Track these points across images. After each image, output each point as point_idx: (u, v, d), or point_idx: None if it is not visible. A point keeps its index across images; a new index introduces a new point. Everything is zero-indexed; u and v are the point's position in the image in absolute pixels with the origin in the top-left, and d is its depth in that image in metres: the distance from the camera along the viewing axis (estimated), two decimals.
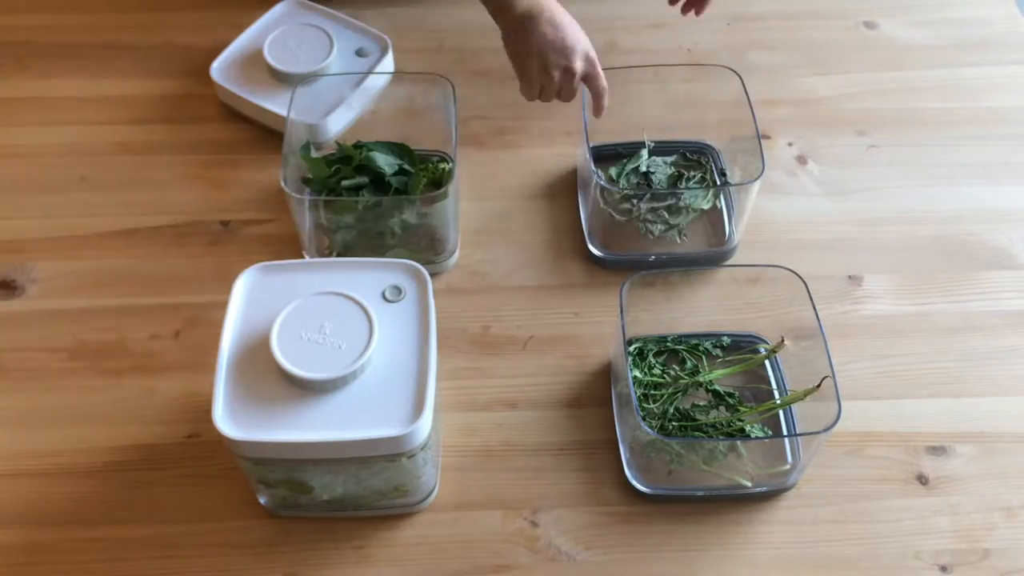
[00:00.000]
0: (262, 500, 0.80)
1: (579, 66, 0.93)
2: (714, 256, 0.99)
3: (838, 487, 0.83)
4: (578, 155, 1.05)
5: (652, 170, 1.00)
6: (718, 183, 1.01)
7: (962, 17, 1.20)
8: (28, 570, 0.78)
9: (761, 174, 0.89)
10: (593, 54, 0.94)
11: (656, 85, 1.03)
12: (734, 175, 1.00)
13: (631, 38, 1.06)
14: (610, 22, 1.17)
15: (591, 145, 0.94)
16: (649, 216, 0.96)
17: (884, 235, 1.00)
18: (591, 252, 0.97)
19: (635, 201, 0.95)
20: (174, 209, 1.00)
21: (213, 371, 0.72)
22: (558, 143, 1.07)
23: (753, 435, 0.83)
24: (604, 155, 1.02)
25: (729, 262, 0.97)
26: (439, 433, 0.82)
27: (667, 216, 0.96)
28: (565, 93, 0.95)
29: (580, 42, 0.93)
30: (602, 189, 0.93)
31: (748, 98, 0.95)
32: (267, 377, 0.73)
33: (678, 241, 0.97)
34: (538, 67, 0.93)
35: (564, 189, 1.03)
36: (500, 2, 0.94)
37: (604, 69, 0.95)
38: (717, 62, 1.01)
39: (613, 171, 1.01)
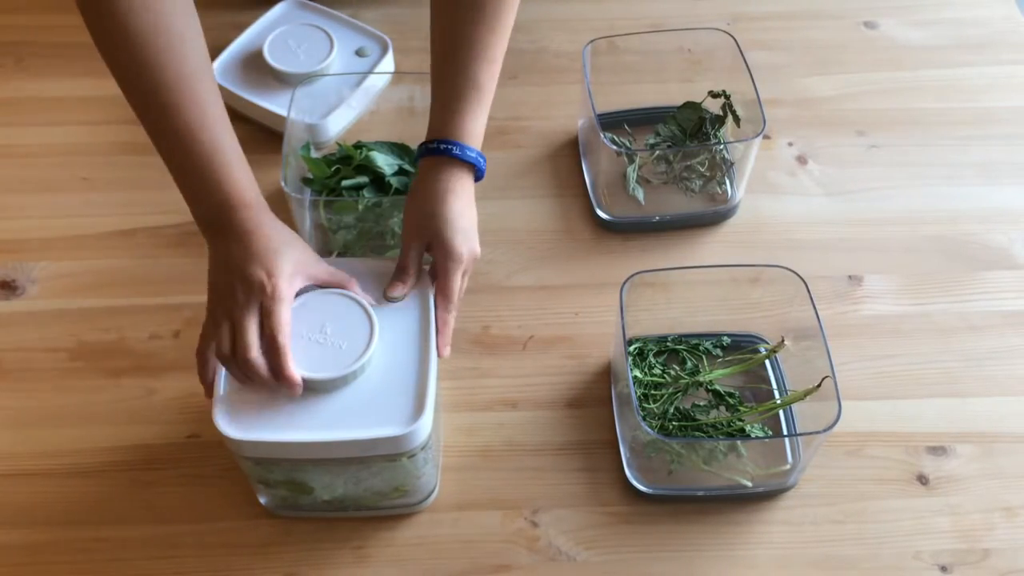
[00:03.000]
0: (262, 500, 0.80)
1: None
2: (718, 215, 1.00)
3: (838, 487, 0.83)
4: (580, 125, 1.06)
5: (673, 131, 1.03)
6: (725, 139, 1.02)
7: (962, 17, 1.20)
8: (28, 570, 0.78)
9: (763, 129, 0.92)
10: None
11: (652, 56, 1.05)
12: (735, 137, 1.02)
13: (631, 38, 1.06)
14: (610, 22, 1.17)
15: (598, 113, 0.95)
16: (685, 173, 1.00)
17: (884, 235, 1.00)
18: (599, 217, 0.99)
19: (672, 159, 0.99)
20: (174, 209, 1.00)
21: None
22: (558, 142, 1.07)
23: (753, 435, 0.83)
24: (607, 124, 1.02)
25: (730, 262, 0.97)
26: (439, 433, 0.83)
27: (702, 170, 1.00)
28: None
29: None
30: (628, 155, 0.98)
31: (744, 60, 0.96)
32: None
33: (718, 191, 1.01)
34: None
35: (565, 188, 1.03)
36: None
37: (608, 37, 0.95)
38: (717, 62, 1.01)
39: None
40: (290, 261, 0.72)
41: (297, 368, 0.70)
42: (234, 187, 0.72)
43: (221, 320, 0.70)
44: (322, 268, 0.75)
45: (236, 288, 0.70)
